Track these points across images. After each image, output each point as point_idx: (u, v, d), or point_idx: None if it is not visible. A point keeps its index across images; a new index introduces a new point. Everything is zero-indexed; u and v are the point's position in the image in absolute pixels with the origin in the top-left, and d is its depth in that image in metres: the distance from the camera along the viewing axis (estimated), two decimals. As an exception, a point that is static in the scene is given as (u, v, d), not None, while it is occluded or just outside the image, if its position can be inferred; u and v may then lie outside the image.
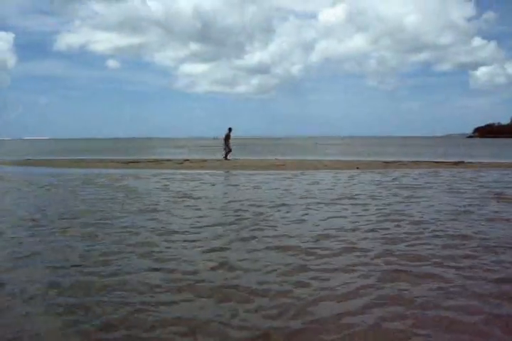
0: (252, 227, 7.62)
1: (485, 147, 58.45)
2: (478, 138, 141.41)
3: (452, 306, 4.17)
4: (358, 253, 5.95)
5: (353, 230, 7.40)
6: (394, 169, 20.56)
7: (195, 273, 5.18)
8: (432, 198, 11.19)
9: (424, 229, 7.49)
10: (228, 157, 26.16)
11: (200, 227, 7.62)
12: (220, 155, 26.59)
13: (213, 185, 14.92)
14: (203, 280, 4.89)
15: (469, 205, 9.93)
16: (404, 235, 7.03)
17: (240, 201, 10.70)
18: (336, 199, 10.99)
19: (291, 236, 6.94)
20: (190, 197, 11.44)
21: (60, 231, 7.37)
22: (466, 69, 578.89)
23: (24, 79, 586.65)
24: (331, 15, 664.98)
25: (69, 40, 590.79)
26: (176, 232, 7.25)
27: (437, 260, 5.60)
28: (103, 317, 3.94)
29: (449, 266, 5.36)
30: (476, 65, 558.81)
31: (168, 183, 14.79)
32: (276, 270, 5.25)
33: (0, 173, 18.99)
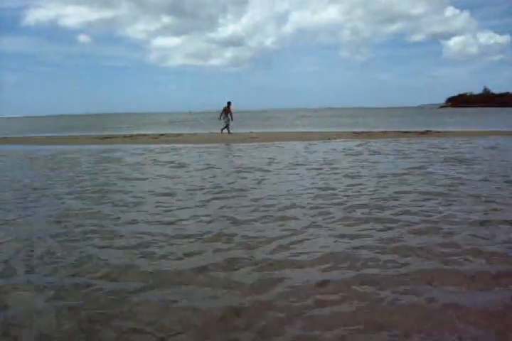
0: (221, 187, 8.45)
1: (455, 116, 59.95)
2: (450, 108, 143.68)
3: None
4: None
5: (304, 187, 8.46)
6: (362, 139, 21.43)
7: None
8: (384, 162, 12.40)
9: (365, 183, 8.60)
10: (224, 131, 26.10)
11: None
12: (226, 130, 26.16)
13: (181, 155, 15.49)
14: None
15: (419, 166, 11.39)
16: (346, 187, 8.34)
17: (204, 169, 11.47)
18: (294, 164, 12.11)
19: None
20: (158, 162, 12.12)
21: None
22: (438, 39, 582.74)
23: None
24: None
25: (38, 15, 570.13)
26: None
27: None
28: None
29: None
30: (448, 35, 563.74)
31: (141, 156, 15.35)
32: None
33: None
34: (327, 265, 4.50)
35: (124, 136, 25.89)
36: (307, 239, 5.33)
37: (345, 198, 7.55)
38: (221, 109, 25.89)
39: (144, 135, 26.77)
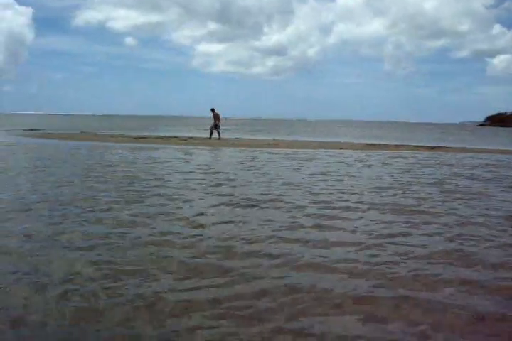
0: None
1: (485, 134, 60.40)
2: (488, 127, 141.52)
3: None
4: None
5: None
6: (370, 150, 23.29)
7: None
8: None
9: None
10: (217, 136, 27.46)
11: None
12: (220, 135, 27.69)
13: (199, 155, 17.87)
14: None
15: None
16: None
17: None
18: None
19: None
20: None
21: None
22: (483, 56, 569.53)
23: (41, 54, 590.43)
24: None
25: (87, 16, 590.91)
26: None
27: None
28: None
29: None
30: (494, 53, 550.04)
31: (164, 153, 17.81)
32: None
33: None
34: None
35: (157, 137, 28.50)
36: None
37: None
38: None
39: (175, 137, 29.43)
